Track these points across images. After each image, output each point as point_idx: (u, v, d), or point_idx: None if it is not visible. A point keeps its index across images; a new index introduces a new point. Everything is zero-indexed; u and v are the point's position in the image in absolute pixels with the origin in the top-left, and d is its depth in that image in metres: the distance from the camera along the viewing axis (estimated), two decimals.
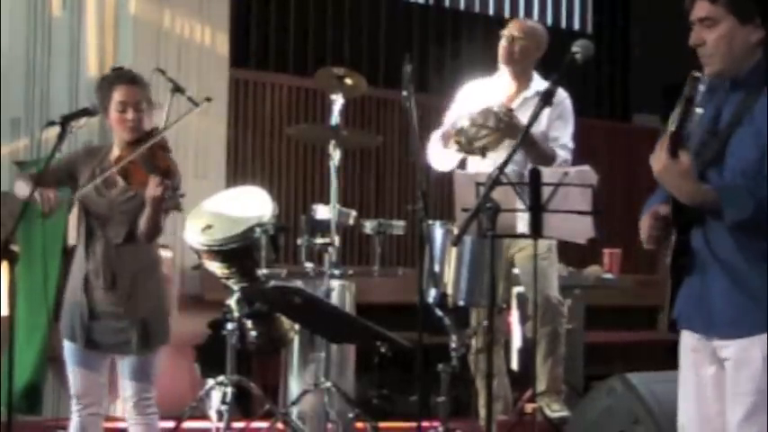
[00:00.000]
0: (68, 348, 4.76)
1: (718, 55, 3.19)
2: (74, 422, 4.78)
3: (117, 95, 4.68)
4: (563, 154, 6.09)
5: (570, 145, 6.16)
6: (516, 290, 6.60)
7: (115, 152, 4.77)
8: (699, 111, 3.14)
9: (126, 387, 4.74)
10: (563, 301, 6.24)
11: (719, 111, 3.23)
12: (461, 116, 5.92)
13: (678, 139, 3.09)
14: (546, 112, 5.96)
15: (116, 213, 4.72)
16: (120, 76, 4.80)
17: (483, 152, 5.84)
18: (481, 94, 6.17)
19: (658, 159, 3.12)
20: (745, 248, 3.13)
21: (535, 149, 5.93)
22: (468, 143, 5.85)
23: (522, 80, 6.24)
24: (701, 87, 3.15)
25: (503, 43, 6.22)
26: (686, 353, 3.31)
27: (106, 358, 4.78)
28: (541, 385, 6.06)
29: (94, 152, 4.86)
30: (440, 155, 6.06)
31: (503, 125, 5.80)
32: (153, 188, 4.56)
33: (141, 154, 4.65)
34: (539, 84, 6.15)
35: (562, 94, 6.08)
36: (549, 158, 5.96)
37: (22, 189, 4.66)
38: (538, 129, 6.02)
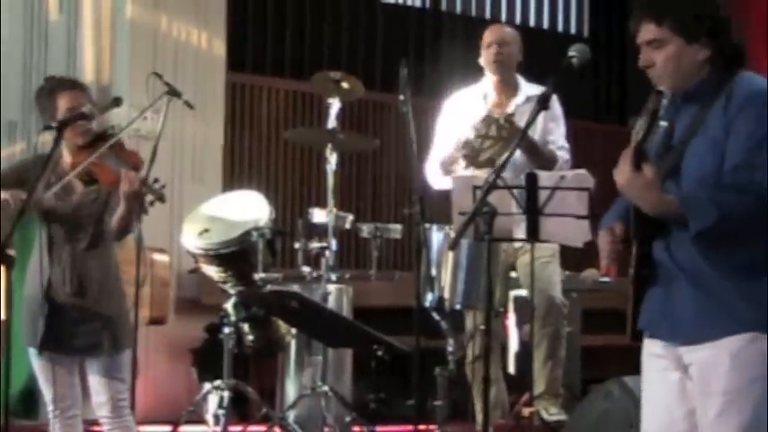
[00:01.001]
0: (35, 354, 4.71)
1: (667, 75, 3.26)
2: (55, 429, 4.74)
3: (63, 102, 4.65)
4: (563, 154, 6.12)
5: (567, 145, 6.19)
6: (513, 293, 6.59)
7: (67, 158, 4.74)
8: (663, 124, 3.21)
9: (99, 391, 4.71)
10: (566, 303, 6.24)
11: (672, 125, 3.30)
12: (466, 129, 5.93)
13: (641, 152, 3.16)
14: (540, 117, 6.01)
15: (79, 217, 4.70)
16: (61, 83, 4.78)
17: (491, 164, 5.80)
18: (468, 104, 6.17)
19: (622, 173, 3.18)
20: (707, 257, 3.18)
21: (538, 154, 5.95)
22: (475, 156, 5.85)
23: (511, 87, 6.24)
24: (664, 101, 3.22)
25: (493, 50, 6.20)
26: (650, 359, 3.36)
27: (75, 360, 4.75)
28: (539, 388, 6.05)
29: (44, 161, 4.76)
30: (439, 179, 6.08)
31: (504, 133, 5.79)
32: (128, 183, 4.53)
33: (102, 154, 4.63)
34: (527, 89, 6.17)
35: (552, 96, 6.08)
36: (551, 161, 5.98)
37: None
38: (535, 135, 6.03)
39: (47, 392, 4.74)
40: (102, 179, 4.65)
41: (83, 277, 4.68)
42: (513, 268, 6.21)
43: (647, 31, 3.26)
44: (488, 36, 6.27)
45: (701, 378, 3.21)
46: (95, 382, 4.71)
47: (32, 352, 4.73)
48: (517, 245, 6.00)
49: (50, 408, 4.74)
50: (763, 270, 3.17)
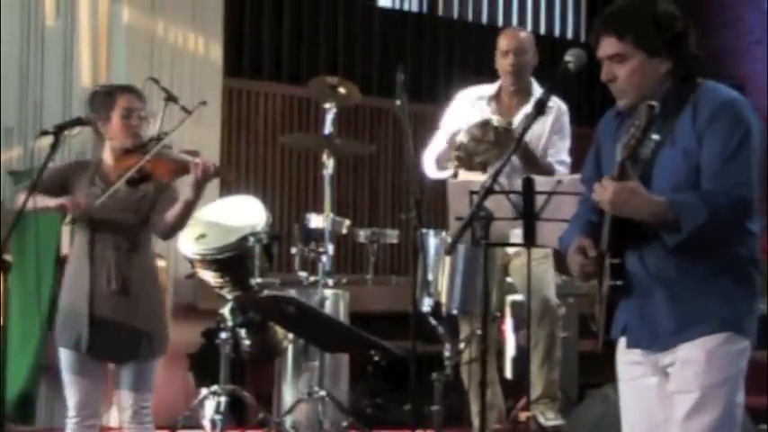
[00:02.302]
0: (69, 358, 4.70)
1: (632, 89, 3.28)
2: None
3: (123, 102, 4.74)
4: (561, 169, 6.08)
5: (567, 160, 6.15)
6: (510, 298, 6.59)
7: (109, 162, 4.78)
8: (655, 137, 3.18)
9: (126, 396, 4.72)
10: (560, 304, 6.24)
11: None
12: (461, 130, 5.90)
13: (624, 167, 3.16)
14: (546, 126, 6.02)
15: (127, 215, 4.71)
16: (122, 86, 4.93)
17: (483, 168, 5.80)
18: (476, 105, 6.14)
19: (605, 189, 3.17)
20: (679, 264, 3.21)
21: (533, 163, 5.91)
22: (468, 158, 5.83)
23: (524, 93, 6.18)
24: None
25: (509, 60, 6.13)
26: (627, 367, 3.39)
27: (106, 367, 4.75)
28: (536, 392, 6.05)
29: (84, 166, 4.87)
30: (434, 171, 6.08)
31: (502, 139, 5.78)
32: (203, 164, 4.58)
33: (157, 152, 4.69)
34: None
35: (562, 108, 6.08)
36: (547, 174, 5.95)
37: (47, 201, 4.63)
38: (538, 145, 6.01)
39: (70, 398, 4.72)
40: (159, 172, 4.69)
41: (127, 278, 4.69)
42: (508, 272, 6.21)
43: (609, 46, 3.27)
44: (504, 43, 6.18)
45: (676, 376, 3.24)
46: (123, 388, 4.72)
47: (64, 356, 4.71)
48: (510, 249, 6.00)
49: (71, 413, 4.72)
50: (735, 271, 3.22)
